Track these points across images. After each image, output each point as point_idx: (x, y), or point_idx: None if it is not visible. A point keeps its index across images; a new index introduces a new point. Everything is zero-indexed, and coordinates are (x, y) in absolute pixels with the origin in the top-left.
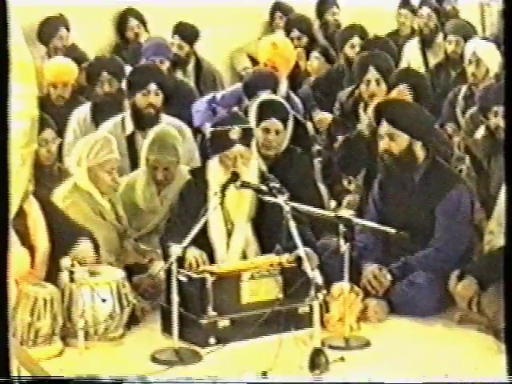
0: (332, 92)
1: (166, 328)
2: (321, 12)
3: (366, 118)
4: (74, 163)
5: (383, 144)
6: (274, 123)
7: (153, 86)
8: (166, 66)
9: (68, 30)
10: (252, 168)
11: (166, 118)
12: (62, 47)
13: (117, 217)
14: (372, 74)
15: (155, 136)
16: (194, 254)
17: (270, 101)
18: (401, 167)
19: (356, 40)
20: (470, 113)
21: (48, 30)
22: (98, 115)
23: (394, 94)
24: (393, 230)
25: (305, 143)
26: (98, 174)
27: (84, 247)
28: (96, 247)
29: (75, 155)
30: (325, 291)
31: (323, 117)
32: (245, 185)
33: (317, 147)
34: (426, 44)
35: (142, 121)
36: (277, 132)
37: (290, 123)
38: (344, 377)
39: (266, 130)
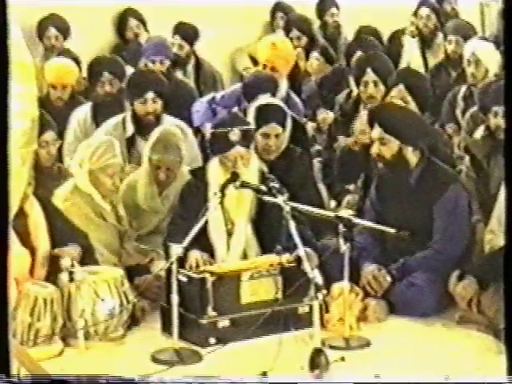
0: (337, 91)
1: (166, 328)
2: (320, 12)
3: (361, 122)
4: (75, 164)
5: (374, 148)
6: (274, 128)
7: (150, 95)
8: (165, 65)
9: (67, 29)
10: (252, 169)
11: (167, 118)
12: (61, 47)
13: (117, 218)
14: (369, 75)
15: (159, 135)
16: (196, 256)
17: (268, 105)
18: (394, 171)
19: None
20: (470, 113)
21: (46, 30)
22: (99, 115)
23: (393, 93)
24: (392, 230)
25: (304, 144)
26: (99, 177)
27: (70, 248)
28: (90, 250)
29: (77, 157)
30: (325, 291)
31: (326, 116)
32: (244, 185)
33: (316, 147)
34: (426, 44)
35: (142, 125)
36: (276, 136)
37: (289, 124)
38: (344, 377)
39: (266, 135)
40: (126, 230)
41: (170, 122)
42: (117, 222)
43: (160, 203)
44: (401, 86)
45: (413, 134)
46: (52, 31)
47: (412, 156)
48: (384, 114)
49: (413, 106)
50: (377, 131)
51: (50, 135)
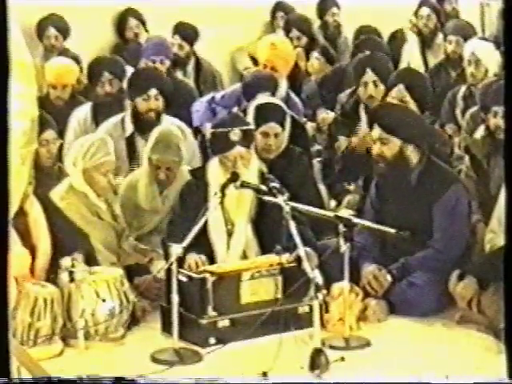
0: (338, 91)
1: (166, 328)
2: (321, 12)
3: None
4: (70, 164)
5: (376, 148)
6: (273, 127)
7: (153, 91)
8: (165, 65)
9: (67, 29)
10: (252, 169)
11: (166, 118)
12: (61, 47)
13: (113, 216)
14: (369, 76)
15: (159, 135)
16: (195, 259)
17: (267, 104)
18: (394, 171)
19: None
20: (470, 113)
21: (46, 30)
22: (99, 115)
23: (393, 93)
24: (393, 230)
25: (304, 143)
26: (93, 175)
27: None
28: (92, 253)
29: (71, 156)
30: (325, 291)
31: (326, 116)
32: (244, 185)
33: (316, 147)
34: (426, 44)
35: (142, 124)
36: (276, 135)
37: (288, 124)
38: (344, 377)
39: (265, 135)
40: (124, 228)
41: (169, 122)
42: (113, 220)
43: (160, 203)
44: (400, 86)
45: (413, 133)
46: (52, 31)
47: (413, 155)
48: (384, 113)
49: (412, 105)
50: (377, 131)
51: (49, 134)
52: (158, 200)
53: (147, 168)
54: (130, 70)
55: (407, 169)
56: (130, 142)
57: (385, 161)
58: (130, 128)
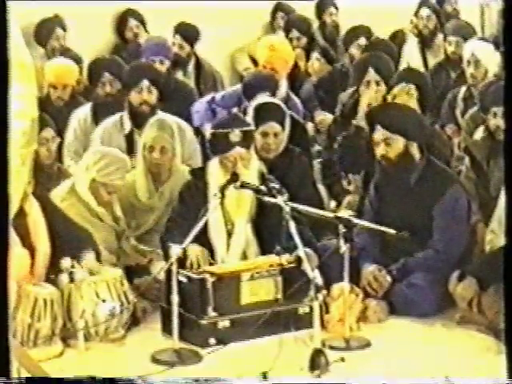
0: (335, 92)
1: (167, 328)
2: (319, 12)
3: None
4: (82, 166)
5: (380, 150)
6: (272, 126)
7: (145, 83)
8: (165, 66)
9: (65, 30)
10: (252, 169)
11: (163, 116)
12: (61, 47)
13: (114, 218)
14: (371, 75)
15: (153, 121)
16: (196, 252)
17: (266, 103)
18: (398, 170)
19: (362, 41)
20: (470, 114)
21: (47, 30)
22: (99, 115)
23: (396, 89)
24: (393, 231)
25: (304, 144)
26: (99, 189)
27: (88, 258)
28: (97, 253)
29: (87, 160)
30: (325, 292)
31: (324, 117)
32: (244, 185)
33: (316, 148)
34: (426, 45)
35: (138, 118)
36: (275, 135)
37: (288, 124)
38: (344, 377)
39: (265, 134)
40: (124, 229)
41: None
42: (114, 222)
43: (157, 200)
44: (403, 84)
45: (416, 130)
46: (52, 31)
47: (417, 152)
48: (385, 113)
49: (415, 104)
50: (380, 132)
51: (48, 132)
52: (156, 196)
53: (142, 163)
54: None
55: (411, 167)
56: (129, 141)
57: (389, 161)
58: (128, 125)
